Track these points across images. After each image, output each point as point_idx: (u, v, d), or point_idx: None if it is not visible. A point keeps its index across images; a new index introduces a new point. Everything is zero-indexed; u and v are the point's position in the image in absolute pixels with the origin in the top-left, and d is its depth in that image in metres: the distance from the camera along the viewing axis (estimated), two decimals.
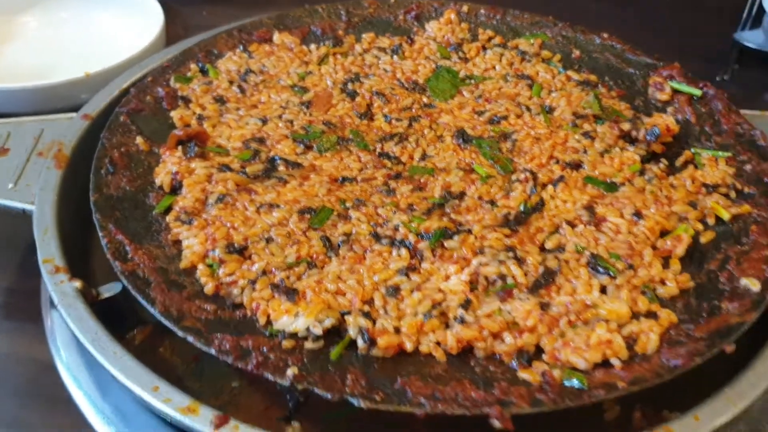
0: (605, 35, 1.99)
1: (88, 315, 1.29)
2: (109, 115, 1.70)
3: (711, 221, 1.50)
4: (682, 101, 1.80)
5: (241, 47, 1.95)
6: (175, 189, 1.55)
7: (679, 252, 1.43)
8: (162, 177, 1.55)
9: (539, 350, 1.26)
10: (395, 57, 1.95)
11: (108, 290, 1.38)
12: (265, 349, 1.21)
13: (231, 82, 1.83)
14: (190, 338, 1.21)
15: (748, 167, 1.59)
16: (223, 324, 1.27)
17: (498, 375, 1.21)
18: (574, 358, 1.21)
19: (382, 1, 2.12)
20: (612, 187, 1.57)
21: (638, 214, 1.49)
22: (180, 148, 1.60)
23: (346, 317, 1.27)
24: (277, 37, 1.98)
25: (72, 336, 1.43)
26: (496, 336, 1.26)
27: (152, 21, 2.27)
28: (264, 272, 1.35)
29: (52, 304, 1.51)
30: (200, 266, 1.37)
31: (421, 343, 1.26)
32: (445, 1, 2.12)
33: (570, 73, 1.92)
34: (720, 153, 1.64)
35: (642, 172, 1.61)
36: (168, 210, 1.50)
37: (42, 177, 1.57)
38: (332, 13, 2.08)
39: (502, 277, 1.35)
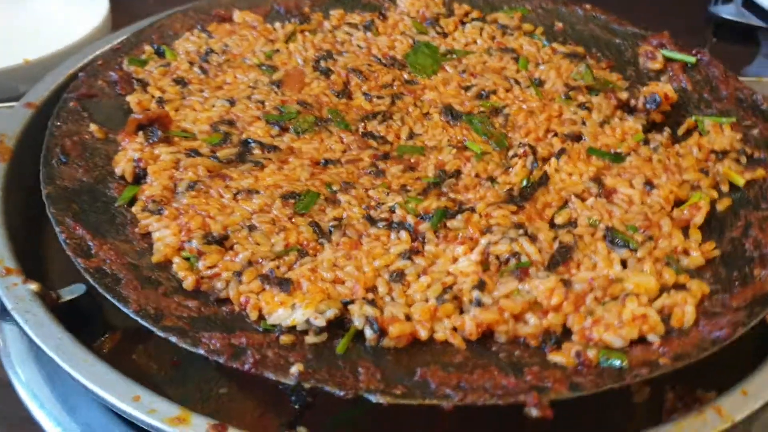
0: (588, 6, 1.88)
1: (49, 320, 1.11)
2: (54, 103, 1.52)
3: (725, 188, 1.40)
4: (676, 69, 1.70)
5: (199, 27, 1.78)
6: (139, 178, 1.38)
7: (698, 220, 1.33)
8: (123, 165, 1.38)
9: (566, 331, 1.13)
10: (368, 33, 1.82)
11: (70, 293, 1.20)
12: (261, 346, 1.06)
13: (191, 63, 1.66)
14: (174, 339, 1.05)
15: (755, 132, 1.50)
16: (208, 322, 1.11)
17: (526, 359, 1.08)
18: (608, 336, 1.08)
19: None
20: (618, 158, 1.46)
21: (650, 184, 1.38)
22: (141, 133, 1.42)
23: (349, 307, 1.12)
24: (238, 15, 1.82)
25: (28, 349, 1.26)
26: (518, 318, 1.13)
27: (96, 7, 2.08)
28: (250, 263, 1.20)
29: (1, 315, 1.32)
30: (176, 260, 1.21)
31: (436, 331, 1.12)
32: None
33: (555, 45, 1.81)
34: (723, 119, 1.54)
35: (646, 142, 1.51)
36: (132, 202, 1.33)
37: None
38: None
39: (515, 255, 1.22)
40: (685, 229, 1.32)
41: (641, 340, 1.09)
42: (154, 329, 1.07)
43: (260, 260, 1.20)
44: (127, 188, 1.35)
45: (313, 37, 1.79)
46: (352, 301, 1.13)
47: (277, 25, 1.82)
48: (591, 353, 1.06)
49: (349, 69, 1.67)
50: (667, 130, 1.54)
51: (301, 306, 1.10)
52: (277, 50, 1.73)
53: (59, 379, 1.22)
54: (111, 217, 1.29)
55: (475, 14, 1.91)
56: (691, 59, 1.70)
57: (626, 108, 1.61)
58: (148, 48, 1.69)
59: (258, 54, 1.71)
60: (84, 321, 1.20)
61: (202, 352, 1.03)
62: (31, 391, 1.22)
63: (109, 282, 1.14)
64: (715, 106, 1.60)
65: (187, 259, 1.21)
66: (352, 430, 1.15)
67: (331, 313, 1.10)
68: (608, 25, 1.84)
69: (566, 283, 1.16)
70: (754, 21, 2.28)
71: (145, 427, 1.00)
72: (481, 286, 1.16)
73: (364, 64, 1.69)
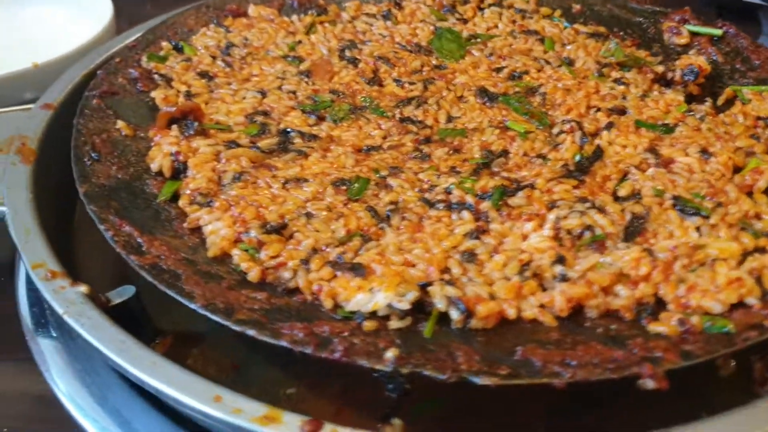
0: None
1: (107, 323, 1.02)
2: (71, 104, 1.44)
3: None
4: (704, 43, 1.69)
5: (215, 22, 1.71)
6: (178, 173, 1.30)
7: (762, 185, 1.28)
8: (160, 161, 1.30)
9: (659, 302, 1.07)
10: (388, 23, 1.76)
11: (119, 295, 1.11)
12: (345, 333, 0.98)
13: (214, 58, 1.59)
14: (252, 332, 0.97)
15: None
16: (282, 312, 1.03)
17: (624, 332, 1.02)
18: (706, 302, 1.03)
19: None
20: (668, 129, 1.42)
21: (705, 152, 1.34)
22: (174, 127, 1.34)
23: (428, 289, 1.06)
24: (253, 9, 1.76)
25: (67, 364, 1.17)
26: (607, 291, 1.07)
27: (100, 11, 1.98)
28: (315, 250, 1.12)
29: (39, 327, 1.23)
30: (235, 252, 1.13)
31: (523, 309, 1.06)
32: None
33: (577, 26, 1.78)
34: (763, 87, 1.52)
35: (690, 112, 1.47)
36: (174, 198, 1.25)
37: (8, 174, 1.28)
38: None
39: (588, 228, 1.16)
40: (748, 195, 1.28)
41: (739, 304, 1.04)
42: (228, 323, 0.99)
43: (324, 247, 1.13)
44: (166, 184, 1.27)
45: (333, 28, 1.73)
46: (429, 284, 1.06)
47: (294, 17, 1.76)
48: (695, 320, 1.00)
49: (376, 57, 1.62)
50: (708, 101, 1.51)
51: (380, 290, 1.03)
52: (300, 42, 1.67)
53: (109, 391, 1.13)
54: (155, 214, 1.21)
55: (490, 0, 1.87)
56: (718, 32, 1.68)
57: (663, 81, 1.58)
58: (165, 44, 1.62)
59: (281, 45, 1.65)
60: (134, 325, 1.11)
61: (285, 343, 0.96)
62: (77, 405, 1.13)
63: (168, 278, 1.05)
64: (749, 76, 1.58)
65: (246, 250, 1.13)
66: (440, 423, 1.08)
67: (411, 296, 1.03)
68: (626, 5, 1.82)
69: (649, 253, 1.11)
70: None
71: (230, 430, 0.92)
72: (561, 260, 1.10)
73: (390, 52, 1.64)
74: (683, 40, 1.71)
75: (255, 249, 1.13)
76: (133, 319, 1.12)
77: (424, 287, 1.06)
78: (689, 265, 1.10)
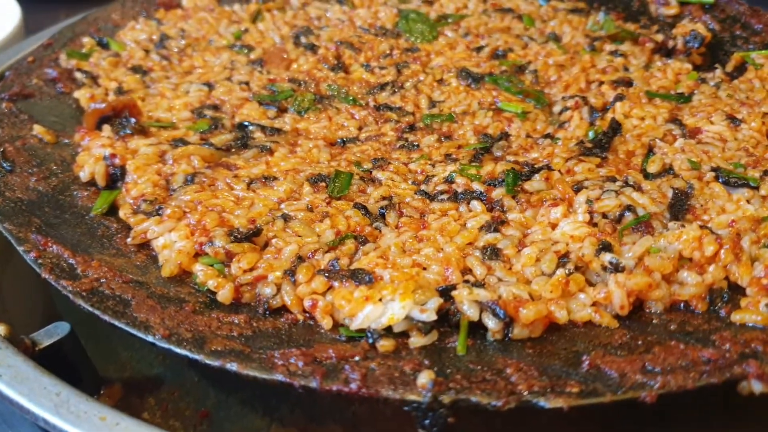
0: None
1: (35, 371, 0.76)
2: None
3: None
4: (695, 11, 1.53)
5: (144, 15, 1.47)
6: (114, 180, 1.04)
7: None
8: (91, 167, 1.05)
9: (733, 286, 0.87)
10: (344, 7, 1.55)
11: (48, 335, 0.85)
12: (357, 357, 0.75)
13: (147, 51, 1.35)
14: (232, 366, 0.73)
15: None
16: (268, 338, 0.79)
17: (703, 327, 0.82)
18: None
19: None
20: (684, 98, 1.24)
21: (733, 119, 1.16)
22: (106, 127, 1.09)
23: (453, 294, 0.83)
24: (187, 0, 1.51)
25: None
26: (669, 279, 0.87)
27: (6, 15, 1.69)
28: (300, 258, 0.88)
29: None
30: (197, 267, 0.88)
31: (573, 310, 0.84)
32: None
33: (554, 3, 1.59)
34: None
35: (703, 80, 1.30)
36: (113, 209, 1.00)
37: None
38: None
39: (629, 209, 0.95)
40: None
41: None
42: (199, 357, 0.74)
43: (311, 254, 0.89)
44: (101, 194, 1.03)
45: (282, 15, 1.51)
46: (451, 287, 0.84)
47: (237, 6, 1.53)
48: None
49: (336, 42, 1.40)
50: (719, 68, 1.34)
51: (393, 299, 0.80)
52: (246, 30, 1.44)
53: None
54: (89, 230, 0.96)
55: None
56: None
57: (663, 51, 1.41)
58: (88, 40, 1.37)
59: (225, 35, 1.42)
60: (71, 373, 0.85)
61: (280, 377, 0.72)
62: None
63: (114, 306, 0.80)
64: (753, 41, 1.43)
65: (212, 265, 0.88)
66: None
67: (434, 303, 0.81)
68: None
69: (709, 231, 0.91)
70: None
71: None
72: (607, 247, 0.89)
73: (353, 36, 1.42)
74: (672, 10, 1.54)
75: (223, 262, 0.88)
76: (70, 366, 0.86)
77: (445, 292, 0.83)
78: (759, 240, 0.90)
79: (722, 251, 0.88)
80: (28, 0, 1.90)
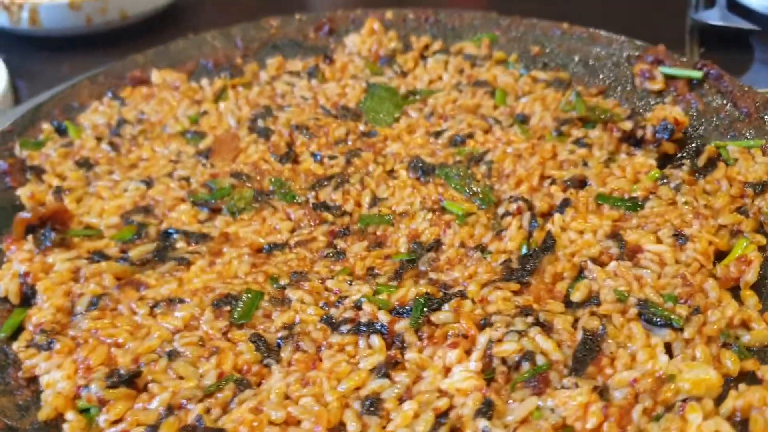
0: (565, 25, 1.60)
1: None
2: None
3: None
4: (681, 88, 1.43)
5: (110, 94, 1.48)
6: (28, 298, 1.06)
7: (750, 278, 1.04)
8: (6, 283, 1.06)
9: None
10: (314, 81, 1.52)
11: None
12: None
13: (99, 139, 1.36)
14: None
15: None
16: None
17: None
18: None
19: (285, 20, 1.69)
20: (635, 205, 1.16)
21: (681, 236, 1.08)
22: (30, 237, 1.11)
23: None
24: (156, 75, 1.52)
25: None
26: None
27: None
28: (170, 408, 0.88)
29: None
30: (69, 415, 0.88)
31: None
32: (363, 10, 1.70)
33: (535, 73, 1.52)
34: (752, 142, 1.26)
35: (664, 180, 1.21)
36: (20, 331, 1.02)
37: None
38: (225, 40, 1.63)
39: (528, 356, 0.91)
40: (735, 291, 1.03)
41: None
42: None
43: (184, 402, 0.88)
44: (12, 314, 1.04)
45: (247, 92, 1.50)
46: None
47: (204, 82, 1.52)
48: None
49: (292, 126, 1.38)
50: (686, 164, 1.25)
51: None
52: (205, 112, 1.44)
53: None
54: None
55: (436, 46, 1.63)
56: (697, 74, 1.42)
57: (632, 140, 1.32)
58: (47, 126, 1.39)
59: (181, 119, 1.42)
60: None
61: None
62: None
63: None
64: (736, 128, 1.32)
65: (84, 411, 0.88)
66: None
67: None
68: (592, 43, 1.56)
69: (602, 392, 0.86)
70: (744, 24, 2.00)
71: None
72: (487, 408, 0.85)
73: (311, 118, 1.40)
74: (658, 86, 1.45)
75: (96, 409, 0.88)
76: None
77: None
78: (652, 409, 0.84)
79: (605, 425, 0.82)
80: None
